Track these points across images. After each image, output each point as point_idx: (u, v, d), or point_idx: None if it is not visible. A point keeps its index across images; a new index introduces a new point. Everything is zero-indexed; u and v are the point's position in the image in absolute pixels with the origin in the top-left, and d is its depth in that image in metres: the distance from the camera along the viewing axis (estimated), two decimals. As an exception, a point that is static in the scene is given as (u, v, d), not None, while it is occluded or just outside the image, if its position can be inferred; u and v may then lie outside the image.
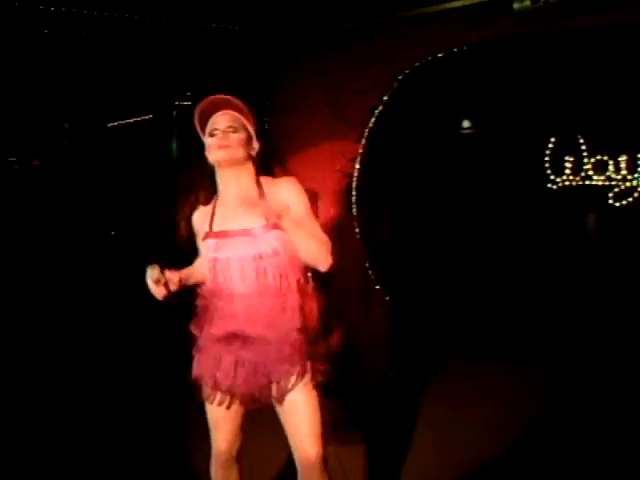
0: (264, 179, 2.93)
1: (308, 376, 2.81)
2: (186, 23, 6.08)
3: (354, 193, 5.81)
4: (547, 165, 6.90)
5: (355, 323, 5.28)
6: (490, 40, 5.40)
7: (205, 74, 7.05)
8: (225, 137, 2.87)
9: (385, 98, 5.72)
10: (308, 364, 2.80)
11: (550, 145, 6.85)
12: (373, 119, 5.76)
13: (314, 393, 2.84)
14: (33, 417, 5.15)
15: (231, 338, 2.83)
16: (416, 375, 5.66)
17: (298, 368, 2.78)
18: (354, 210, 5.82)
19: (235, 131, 2.89)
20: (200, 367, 2.93)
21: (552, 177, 6.88)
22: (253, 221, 2.78)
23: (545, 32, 5.27)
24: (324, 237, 2.85)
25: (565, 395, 5.06)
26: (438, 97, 6.53)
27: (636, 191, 6.51)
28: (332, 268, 2.82)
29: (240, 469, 3.12)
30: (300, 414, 2.83)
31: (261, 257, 2.77)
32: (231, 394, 2.88)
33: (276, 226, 2.75)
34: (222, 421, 2.99)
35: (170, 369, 5.95)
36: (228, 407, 2.92)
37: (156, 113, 8.26)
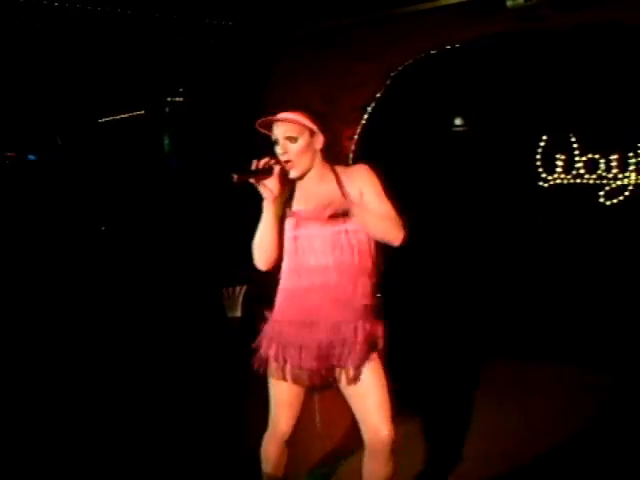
0: (338, 167, 3.01)
1: (376, 357, 2.87)
2: (179, 19, 6.07)
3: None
4: (539, 163, 6.91)
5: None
6: (483, 38, 5.42)
7: (198, 70, 7.04)
8: (285, 147, 2.89)
9: (378, 95, 5.73)
10: (376, 344, 2.88)
11: (542, 143, 6.86)
12: (366, 116, 5.77)
13: (382, 373, 2.90)
14: (41, 413, 5.14)
15: (303, 318, 2.89)
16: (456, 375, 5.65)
17: (366, 348, 2.85)
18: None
19: (293, 141, 2.91)
20: (269, 346, 2.96)
21: (544, 175, 6.90)
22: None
23: (538, 30, 5.29)
24: (394, 215, 2.91)
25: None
26: (431, 94, 6.54)
27: (627, 190, 6.53)
28: (404, 242, 2.88)
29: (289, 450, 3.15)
30: (371, 395, 2.88)
31: (347, 232, 2.88)
32: (298, 374, 2.92)
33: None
34: (286, 401, 3.03)
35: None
36: (294, 387, 2.97)
37: (148, 109, 8.25)
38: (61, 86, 7.47)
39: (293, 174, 2.91)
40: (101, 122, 8.58)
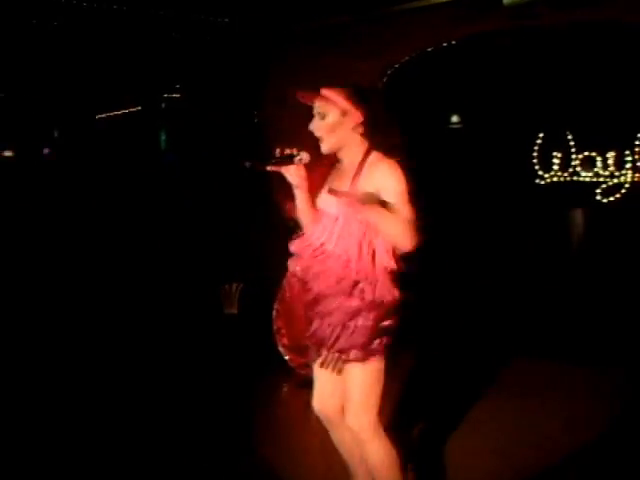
0: (375, 155, 2.92)
1: (369, 350, 2.91)
2: (175, 15, 6.06)
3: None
4: (535, 161, 6.91)
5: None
6: (480, 35, 5.42)
7: (194, 66, 7.03)
8: (314, 123, 2.94)
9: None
10: (371, 339, 2.90)
11: (538, 141, 6.86)
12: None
13: (373, 367, 2.94)
14: (38, 412, 5.14)
15: (314, 297, 3.00)
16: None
17: (361, 341, 2.89)
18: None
19: (323, 117, 2.93)
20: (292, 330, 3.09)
21: (540, 173, 6.90)
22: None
23: (534, 28, 5.30)
24: (409, 220, 2.86)
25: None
26: (427, 92, 6.54)
27: (623, 187, 6.53)
28: (415, 249, 2.88)
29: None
30: (355, 386, 2.99)
31: (361, 222, 2.86)
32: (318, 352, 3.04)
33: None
34: (315, 378, 3.20)
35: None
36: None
37: (145, 105, 8.24)
38: (58, 82, 7.46)
39: (323, 149, 2.93)
40: (98, 118, 8.57)
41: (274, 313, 6.09)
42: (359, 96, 2.94)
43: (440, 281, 6.66)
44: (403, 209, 2.86)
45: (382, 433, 3.04)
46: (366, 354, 2.91)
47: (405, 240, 2.84)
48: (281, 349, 6.05)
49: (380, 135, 2.94)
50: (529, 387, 5.24)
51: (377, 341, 2.92)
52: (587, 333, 6.00)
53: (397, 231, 2.85)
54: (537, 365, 5.64)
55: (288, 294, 6.00)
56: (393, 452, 3.07)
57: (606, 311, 6.12)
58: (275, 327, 6.07)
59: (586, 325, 6.09)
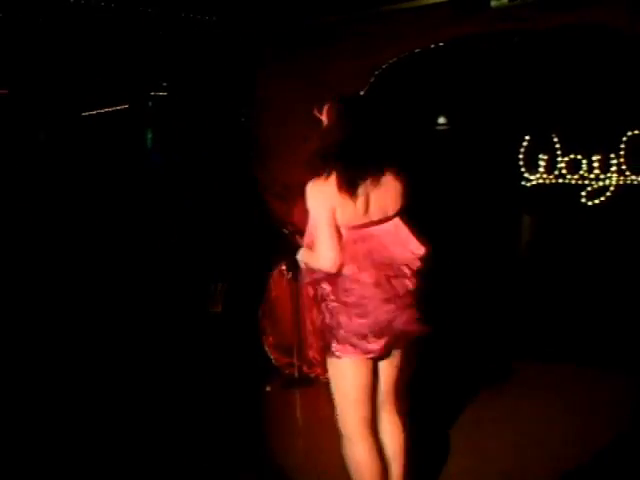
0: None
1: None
2: (162, 13, 6.04)
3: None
4: (521, 163, 6.93)
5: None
6: (466, 37, 5.42)
7: (181, 65, 7.01)
8: None
9: (361, 94, 5.72)
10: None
11: (525, 143, 6.88)
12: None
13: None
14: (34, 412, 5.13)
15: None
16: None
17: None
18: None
19: None
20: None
21: (526, 175, 6.92)
22: None
23: (522, 30, 5.31)
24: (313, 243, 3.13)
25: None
26: (414, 93, 6.54)
27: (608, 190, 6.56)
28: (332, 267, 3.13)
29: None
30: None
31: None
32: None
33: None
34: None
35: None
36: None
37: (131, 103, 8.22)
38: (44, 80, 7.43)
39: None
40: (84, 116, 8.55)
41: (260, 313, 6.10)
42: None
43: (431, 282, 6.67)
44: (308, 231, 3.17)
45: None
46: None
47: (313, 264, 3.13)
48: (266, 349, 6.06)
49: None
50: (527, 390, 5.29)
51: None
52: (583, 335, 6.04)
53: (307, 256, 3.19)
54: (533, 368, 5.69)
55: (274, 294, 6.01)
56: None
57: (599, 313, 6.15)
58: (261, 326, 6.08)
59: (582, 327, 6.13)
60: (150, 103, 7.96)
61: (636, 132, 6.38)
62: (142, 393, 5.43)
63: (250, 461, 4.28)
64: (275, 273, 5.97)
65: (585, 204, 6.65)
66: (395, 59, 5.62)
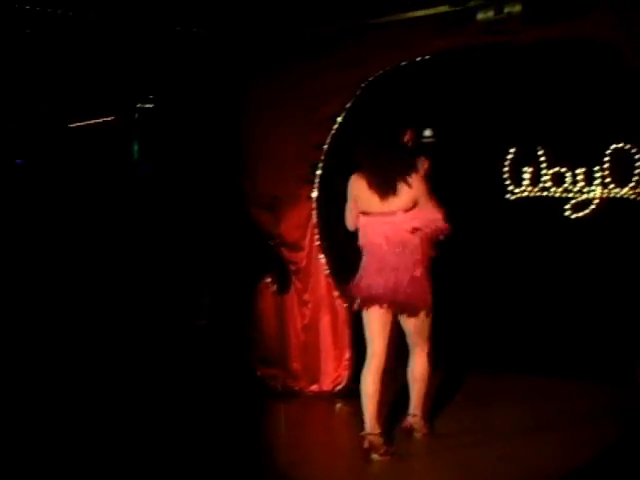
0: None
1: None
2: (150, 25, 6.06)
3: (315, 199, 5.87)
4: (506, 176, 6.95)
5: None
6: (452, 50, 5.45)
7: (168, 77, 7.02)
8: None
9: (348, 105, 5.75)
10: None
11: (509, 156, 6.91)
12: (336, 126, 5.79)
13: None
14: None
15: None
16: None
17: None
18: (314, 216, 5.86)
19: None
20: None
21: (510, 188, 6.94)
22: None
23: (508, 43, 5.34)
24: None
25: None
26: (400, 106, 6.56)
27: (592, 203, 6.59)
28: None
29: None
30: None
31: None
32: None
33: None
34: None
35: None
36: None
37: (118, 115, 8.21)
38: (30, 91, 7.42)
39: None
40: (71, 127, 8.53)
41: (245, 325, 6.09)
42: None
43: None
44: None
45: None
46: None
47: None
48: (253, 360, 6.05)
49: None
50: (521, 400, 5.31)
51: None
52: (562, 346, 6.08)
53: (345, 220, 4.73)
54: (529, 380, 5.73)
55: (259, 307, 6.01)
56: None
57: (583, 325, 6.19)
58: (249, 337, 6.08)
59: (563, 338, 6.17)
60: (136, 115, 7.95)
61: (620, 145, 6.41)
62: (132, 399, 5.44)
63: (231, 474, 4.26)
64: (261, 286, 5.98)
65: (569, 217, 6.67)
66: (381, 72, 5.65)
